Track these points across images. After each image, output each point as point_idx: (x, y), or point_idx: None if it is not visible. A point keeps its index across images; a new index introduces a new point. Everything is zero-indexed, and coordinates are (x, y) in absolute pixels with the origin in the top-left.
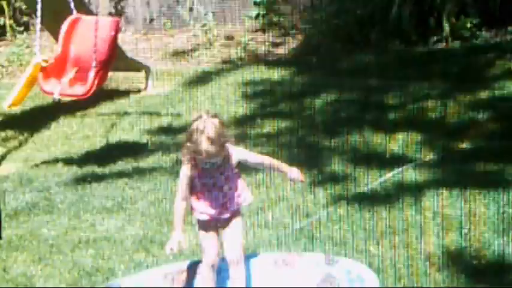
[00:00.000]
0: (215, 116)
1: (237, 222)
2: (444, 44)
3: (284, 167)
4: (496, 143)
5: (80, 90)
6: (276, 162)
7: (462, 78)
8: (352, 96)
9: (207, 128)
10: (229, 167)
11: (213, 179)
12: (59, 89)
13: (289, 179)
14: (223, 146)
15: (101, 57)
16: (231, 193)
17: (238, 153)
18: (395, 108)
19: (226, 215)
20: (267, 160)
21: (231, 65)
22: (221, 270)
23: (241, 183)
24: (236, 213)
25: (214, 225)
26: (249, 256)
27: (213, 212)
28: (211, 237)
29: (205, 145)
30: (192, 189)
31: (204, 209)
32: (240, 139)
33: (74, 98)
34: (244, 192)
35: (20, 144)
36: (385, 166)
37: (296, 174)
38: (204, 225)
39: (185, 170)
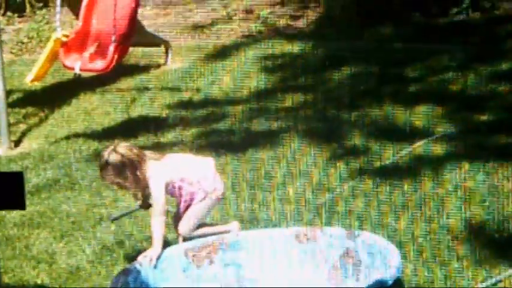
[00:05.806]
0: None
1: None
2: (465, 15)
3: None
4: None
5: (100, 65)
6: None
7: (483, 49)
8: (372, 69)
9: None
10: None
11: None
12: (79, 63)
13: None
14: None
15: (121, 31)
16: None
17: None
18: (416, 80)
19: None
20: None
21: (250, 39)
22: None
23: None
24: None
25: None
26: (271, 231)
27: None
28: None
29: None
30: None
31: None
32: (260, 113)
33: (94, 73)
34: None
35: (41, 121)
36: (405, 139)
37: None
38: None
39: None
